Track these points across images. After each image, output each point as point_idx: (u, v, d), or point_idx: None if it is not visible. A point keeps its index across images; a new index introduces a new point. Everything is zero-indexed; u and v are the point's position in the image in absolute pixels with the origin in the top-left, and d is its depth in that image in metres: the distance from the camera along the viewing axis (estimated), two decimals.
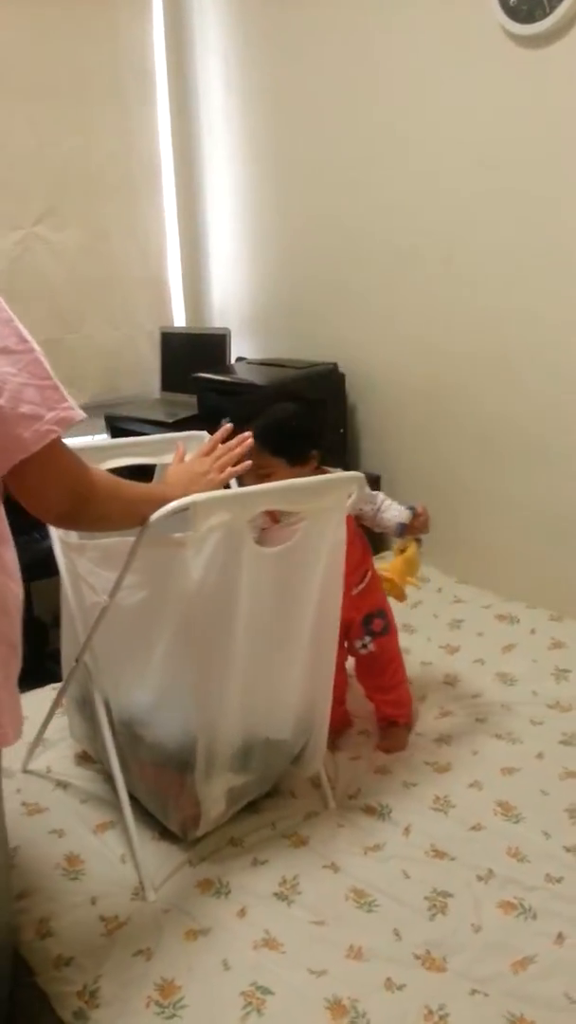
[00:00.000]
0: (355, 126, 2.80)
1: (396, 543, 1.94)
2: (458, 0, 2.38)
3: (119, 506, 1.32)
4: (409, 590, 1.97)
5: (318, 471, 1.80)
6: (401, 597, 1.97)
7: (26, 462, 1.10)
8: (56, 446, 1.12)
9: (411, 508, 1.85)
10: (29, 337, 1.10)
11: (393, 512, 1.86)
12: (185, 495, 1.41)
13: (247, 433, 1.61)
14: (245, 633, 1.51)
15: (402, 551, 1.92)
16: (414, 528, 1.85)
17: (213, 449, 1.59)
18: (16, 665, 1.24)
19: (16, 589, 1.22)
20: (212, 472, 1.54)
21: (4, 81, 2.99)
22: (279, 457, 1.76)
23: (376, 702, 1.99)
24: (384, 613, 1.94)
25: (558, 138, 2.23)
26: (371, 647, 1.92)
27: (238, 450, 1.58)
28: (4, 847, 1.31)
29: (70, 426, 1.11)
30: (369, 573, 1.91)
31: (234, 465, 1.56)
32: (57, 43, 3.08)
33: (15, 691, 1.23)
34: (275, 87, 3.07)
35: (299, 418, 1.81)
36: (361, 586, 1.88)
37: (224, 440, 1.62)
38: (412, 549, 1.90)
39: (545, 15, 2.17)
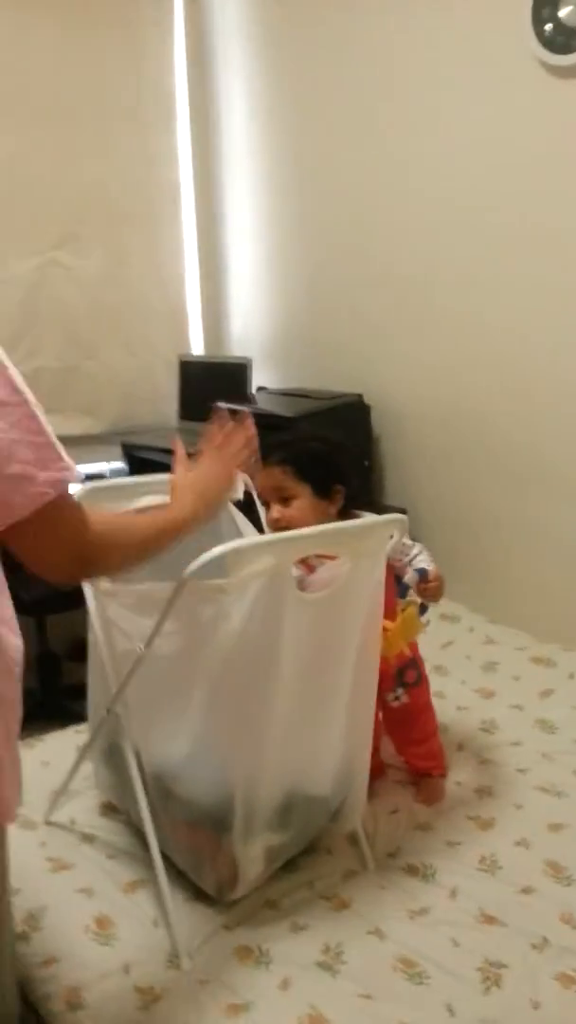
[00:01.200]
0: (380, 153, 2.76)
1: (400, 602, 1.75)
2: (493, 30, 2.35)
3: (127, 553, 1.20)
4: (440, 627, 1.89)
5: (346, 514, 1.74)
6: (387, 652, 1.74)
7: (20, 524, 1.00)
8: (53, 507, 1.01)
9: (421, 571, 1.72)
10: (24, 387, 1.00)
11: (418, 566, 1.76)
12: (199, 507, 1.32)
13: (245, 412, 1.52)
14: (286, 683, 1.44)
15: (403, 610, 1.71)
16: (421, 592, 1.73)
17: (215, 441, 1.48)
18: (16, 726, 1.12)
19: (15, 641, 1.10)
20: (224, 467, 1.44)
21: (24, 104, 2.96)
22: (305, 483, 1.69)
23: (407, 755, 1.91)
24: (416, 663, 1.86)
25: None
26: (404, 699, 1.83)
27: (242, 435, 1.48)
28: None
29: (65, 487, 1.01)
30: None
31: (243, 450, 1.46)
32: (78, 66, 3.05)
33: (16, 756, 1.12)
34: (298, 113, 3.04)
35: (330, 450, 1.77)
36: None
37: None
38: (410, 612, 1.68)
39: None
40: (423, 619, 1.73)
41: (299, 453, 1.71)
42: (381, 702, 1.86)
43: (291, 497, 1.69)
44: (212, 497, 1.40)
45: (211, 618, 1.39)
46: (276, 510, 1.70)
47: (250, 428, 1.51)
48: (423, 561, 1.77)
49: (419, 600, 1.73)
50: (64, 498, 1.03)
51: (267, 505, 1.73)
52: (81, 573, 1.16)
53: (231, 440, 1.48)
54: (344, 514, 1.74)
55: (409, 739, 1.90)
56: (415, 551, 1.78)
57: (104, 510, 1.73)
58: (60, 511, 1.03)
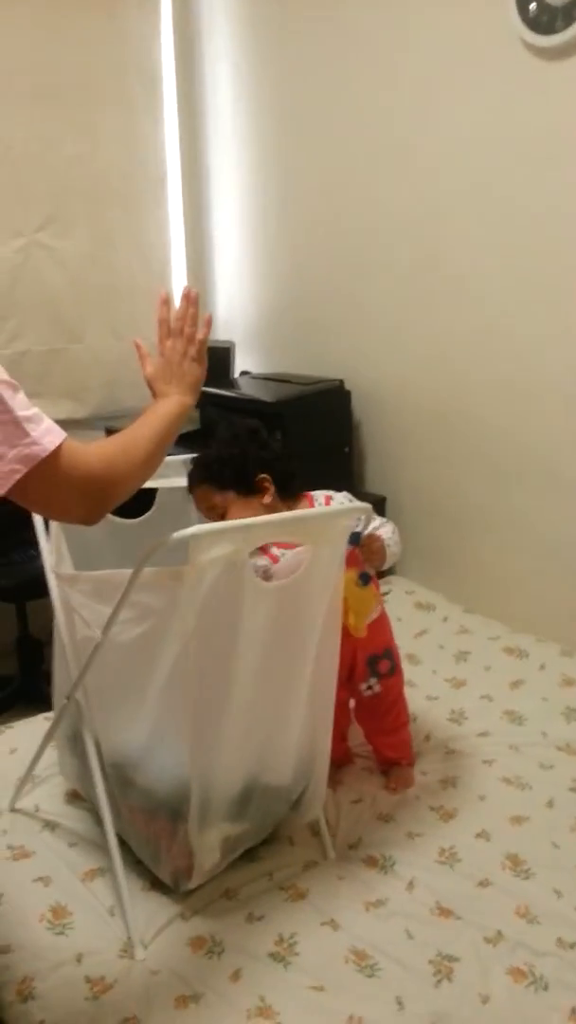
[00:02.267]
0: (366, 137, 2.72)
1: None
2: (475, 10, 2.31)
3: (137, 474, 1.22)
4: (415, 616, 1.86)
5: (294, 499, 1.72)
6: (354, 632, 1.71)
7: (19, 491, 1.04)
8: (44, 470, 1.05)
9: (354, 535, 1.61)
10: None
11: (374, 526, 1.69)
12: (184, 394, 1.37)
13: (187, 287, 1.49)
14: (244, 672, 1.43)
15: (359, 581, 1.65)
16: (362, 555, 1.66)
17: (169, 329, 1.45)
18: None
19: None
20: (185, 350, 1.42)
21: (8, 84, 2.92)
22: (227, 491, 1.68)
23: (376, 744, 1.90)
24: (391, 654, 1.85)
25: None
26: (377, 689, 1.83)
27: (191, 310, 1.44)
28: None
29: (36, 460, 1.04)
30: (378, 611, 1.82)
31: (199, 327, 1.44)
32: (63, 46, 3.00)
33: None
34: (285, 96, 3.00)
35: (236, 443, 1.72)
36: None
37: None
38: (346, 579, 1.58)
39: (566, 26, 2.09)
40: (370, 588, 1.68)
41: (207, 466, 1.71)
42: (353, 691, 1.86)
43: (224, 509, 1.68)
44: (191, 380, 1.42)
45: (167, 605, 1.37)
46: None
47: (194, 299, 1.45)
48: (372, 523, 1.69)
49: (358, 569, 1.66)
50: (50, 461, 1.06)
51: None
52: (101, 509, 1.18)
53: (186, 320, 1.44)
54: (293, 499, 1.73)
55: (380, 728, 1.89)
56: (375, 523, 1.71)
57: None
58: (53, 470, 1.07)
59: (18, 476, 1.03)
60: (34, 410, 1.07)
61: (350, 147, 2.78)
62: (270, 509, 1.67)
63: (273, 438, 1.82)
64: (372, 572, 1.71)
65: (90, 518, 1.18)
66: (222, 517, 1.68)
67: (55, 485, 1.09)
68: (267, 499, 1.68)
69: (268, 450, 1.73)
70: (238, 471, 1.68)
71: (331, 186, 2.88)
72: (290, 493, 1.73)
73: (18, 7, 2.88)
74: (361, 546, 1.66)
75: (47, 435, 1.06)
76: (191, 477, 1.76)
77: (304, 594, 1.48)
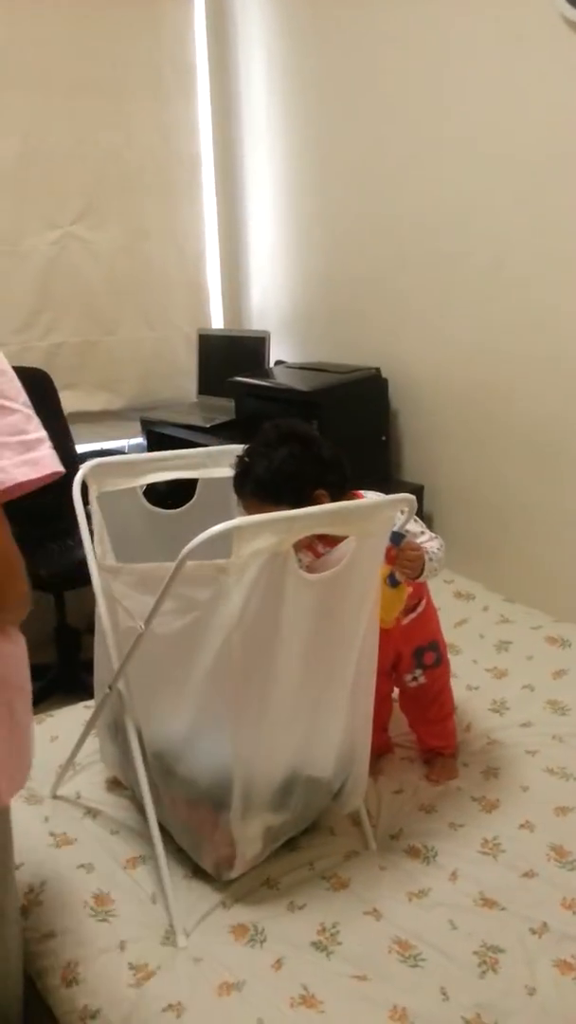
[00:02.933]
0: (402, 123, 2.69)
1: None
2: None
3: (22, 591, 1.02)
4: (455, 605, 1.83)
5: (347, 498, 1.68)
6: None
7: None
8: None
9: (396, 535, 1.56)
10: None
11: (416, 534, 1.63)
12: None
13: None
14: (287, 664, 1.43)
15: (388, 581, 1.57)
16: (396, 559, 1.57)
17: None
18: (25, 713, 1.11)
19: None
20: None
21: (43, 77, 2.94)
22: (280, 505, 1.57)
23: (420, 733, 1.90)
24: (437, 645, 1.83)
25: None
26: (422, 680, 1.82)
27: None
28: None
29: None
30: (423, 602, 1.80)
31: None
32: (96, 37, 3.01)
33: (19, 742, 1.12)
34: (320, 83, 2.97)
35: (293, 461, 1.61)
36: (413, 615, 1.78)
37: None
38: (398, 593, 1.58)
39: None
40: (399, 590, 1.60)
41: (261, 479, 1.61)
42: (398, 681, 1.84)
43: None
44: None
45: (211, 598, 1.37)
46: None
47: None
48: (420, 537, 1.65)
49: (391, 568, 1.59)
50: None
51: None
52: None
53: None
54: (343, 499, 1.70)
55: (424, 719, 1.88)
56: (424, 536, 1.66)
57: (110, 486, 1.74)
58: None
59: None
60: (19, 438, 0.98)
61: (384, 134, 2.75)
62: None
63: (310, 428, 1.79)
64: (402, 579, 1.60)
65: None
66: None
67: None
68: None
69: (323, 463, 1.64)
70: (296, 490, 1.60)
71: (365, 174, 2.85)
72: (341, 497, 1.67)
73: (52, 1, 2.88)
74: (400, 548, 1.58)
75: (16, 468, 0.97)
76: (241, 484, 1.66)
77: (347, 586, 1.47)
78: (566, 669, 2.14)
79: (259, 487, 1.62)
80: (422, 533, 1.68)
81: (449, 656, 1.88)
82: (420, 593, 1.78)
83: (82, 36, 2.98)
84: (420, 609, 1.79)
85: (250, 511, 1.66)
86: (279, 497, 1.59)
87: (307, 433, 1.69)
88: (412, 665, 1.80)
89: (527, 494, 2.54)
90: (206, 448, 1.88)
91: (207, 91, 3.30)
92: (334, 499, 1.61)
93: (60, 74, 2.97)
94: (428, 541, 1.66)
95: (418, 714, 1.89)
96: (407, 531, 1.59)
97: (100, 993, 1.31)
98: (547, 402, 2.42)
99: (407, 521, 1.60)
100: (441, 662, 1.85)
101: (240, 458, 1.66)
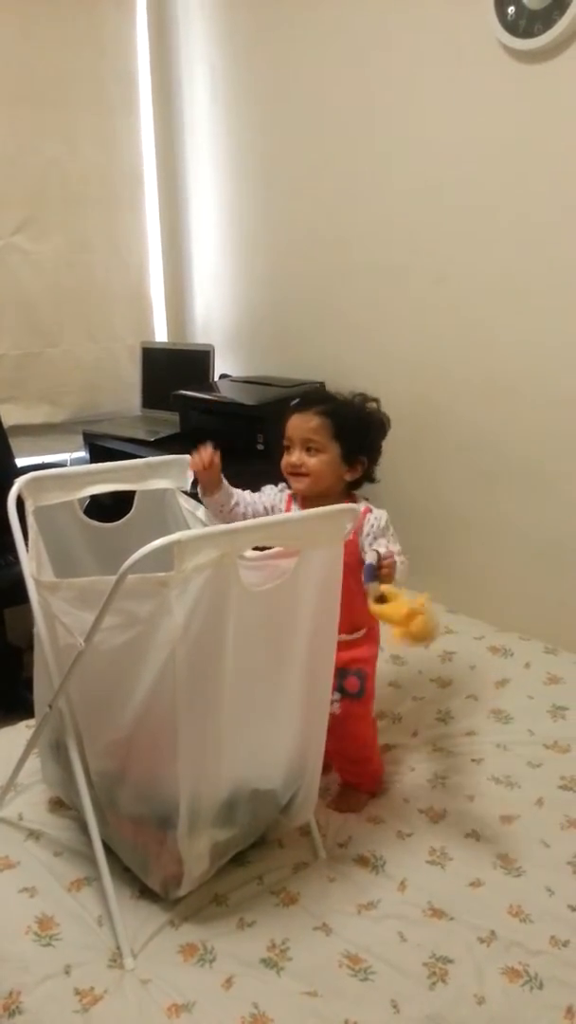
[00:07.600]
0: (345, 139, 2.72)
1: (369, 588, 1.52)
2: (455, 13, 2.31)
3: None
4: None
5: (350, 498, 1.72)
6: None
7: None
8: None
9: (369, 565, 1.51)
10: None
11: (375, 549, 1.55)
12: None
13: None
14: (233, 678, 1.41)
15: (378, 600, 1.50)
16: (382, 572, 1.52)
17: None
18: None
19: None
20: None
21: None
22: (337, 443, 1.66)
23: (336, 766, 1.80)
24: (363, 675, 1.71)
25: (557, 156, 2.16)
26: (336, 708, 1.67)
27: None
28: None
29: None
30: (365, 631, 1.74)
31: None
32: (39, 46, 2.99)
33: None
34: (263, 97, 2.99)
35: (376, 421, 1.72)
36: (357, 635, 1.72)
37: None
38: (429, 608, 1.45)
39: (544, 30, 2.10)
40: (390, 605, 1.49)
41: (343, 413, 1.67)
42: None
43: (318, 450, 1.66)
44: None
45: (153, 612, 1.35)
46: (298, 455, 1.68)
47: None
48: (381, 546, 1.60)
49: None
50: None
51: (287, 447, 1.70)
52: None
53: None
54: (351, 495, 1.73)
55: (339, 751, 1.74)
56: (382, 539, 1.64)
57: (46, 500, 1.70)
58: None
59: None
60: None
61: (327, 148, 2.78)
62: (343, 487, 1.71)
63: (255, 441, 1.81)
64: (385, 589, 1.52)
65: None
66: (307, 450, 1.67)
67: None
68: (349, 476, 1.70)
69: (380, 451, 1.74)
70: (360, 441, 1.68)
71: (310, 188, 2.88)
72: (358, 487, 1.73)
73: None
74: (380, 571, 1.51)
75: None
76: (311, 401, 1.70)
77: (293, 598, 1.46)
78: (508, 678, 2.17)
79: (337, 414, 1.66)
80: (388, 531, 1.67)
81: (395, 668, 1.87)
82: (364, 617, 1.64)
83: (24, 47, 2.96)
84: (361, 633, 1.73)
85: (297, 429, 1.69)
86: (343, 431, 1.66)
87: (385, 418, 1.76)
88: (333, 686, 1.63)
89: (467, 507, 2.57)
90: (145, 459, 1.85)
91: (150, 103, 3.29)
92: (357, 483, 1.73)
93: (1, 85, 2.93)
94: (379, 543, 1.62)
95: (334, 744, 1.66)
96: (376, 551, 1.54)
97: (44, 1021, 1.27)
98: (484, 418, 2.46)
99: (349, 532, 1.58)
100: (363, 695, 1.72)
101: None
